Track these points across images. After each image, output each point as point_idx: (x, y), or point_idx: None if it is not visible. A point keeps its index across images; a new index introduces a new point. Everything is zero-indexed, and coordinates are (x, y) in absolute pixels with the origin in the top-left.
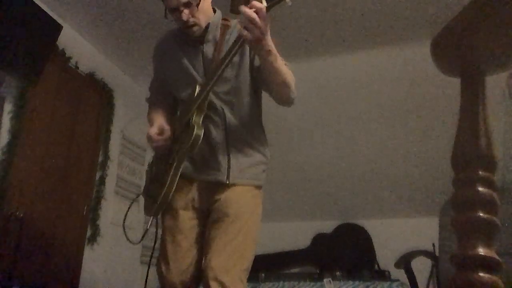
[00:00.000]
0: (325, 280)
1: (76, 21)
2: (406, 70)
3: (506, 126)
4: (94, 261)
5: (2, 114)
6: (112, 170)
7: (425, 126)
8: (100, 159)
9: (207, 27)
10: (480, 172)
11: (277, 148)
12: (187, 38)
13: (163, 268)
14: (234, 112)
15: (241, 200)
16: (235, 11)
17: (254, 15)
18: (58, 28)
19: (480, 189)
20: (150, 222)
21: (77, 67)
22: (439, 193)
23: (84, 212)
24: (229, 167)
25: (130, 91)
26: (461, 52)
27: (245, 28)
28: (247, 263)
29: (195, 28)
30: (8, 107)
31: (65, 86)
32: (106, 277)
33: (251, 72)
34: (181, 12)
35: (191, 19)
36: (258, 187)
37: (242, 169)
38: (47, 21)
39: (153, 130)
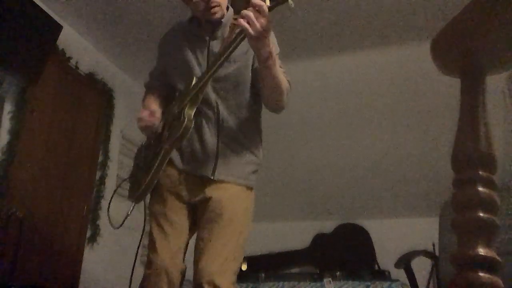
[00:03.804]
0: (325, 280)
1: (76, 21)
2: (406, 70)
3: (506, 126)
4: (94, 261)
5: (2, 114)
6: (112, 170)
7: (425, 126)
8: (100, 159)
9: (217, 26)
10: (480, 172)
11: (276, 148)
12: (197, 32)
13: (152, 256)
14: (229, 109)
15: (235, 201)
16: (235, 11)
17: (262, 3)
18: (58, 28)
19: (480, 189)
20: (132, 207)
21: (77, 67)
22: (439, 193)
23: (84, 212)
24: (216, 163)
25: (130, 91)
26: (461, 52)
27: (247, 22)
28: (238, 266)
29: (217, 9)
30: (8, 107)
31: (65, 86)
32: (106, 277)
33: (252, 71)
34: None
35: (216, 1)
36: (250, 187)
37: (229, 167)
38: (47, 21)
39: (145, 113)
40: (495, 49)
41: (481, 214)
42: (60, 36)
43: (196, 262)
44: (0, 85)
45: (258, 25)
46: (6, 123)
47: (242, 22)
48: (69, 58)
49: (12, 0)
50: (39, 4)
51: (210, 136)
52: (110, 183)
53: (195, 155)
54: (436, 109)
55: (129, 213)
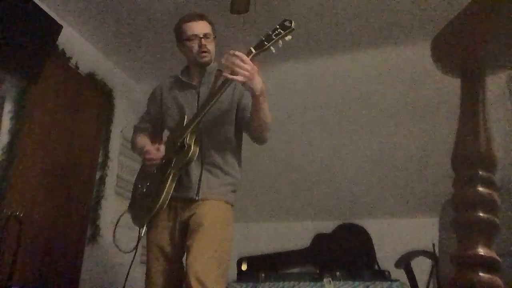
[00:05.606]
0: (325, 280)
1: (76, 21)
2: (406, 70)
3: (506, 126)
4: (94, 261)
5: (2, 114)
6: (112, 170)
7: (425, 126)
8: (100, 159)
9: (203, 74)
10: (480, 172)
11: (277, 148)
12: (187, 80)
13: (147, 283)
14: (213, 142)
15: (215, 211)
16: (235, 11)
17: (244, 57)
18: (58, 28)
19: (480, 189)
20: (143, 232)
21: (77, 67)
22: (439, 193)
23: (84, 212)
24: (199, 186)
25: (130, 91)
26: (461, 52)
27: (233, 72)
28: (223, 270)
29: (207, 54)
30: (8, 107)
31: (65, 86)
32: (106, 277)
33: (237, 110)
34: (200, 39)
35: (207, 47)
36: (228, 203)
37: (211, 188)
38: (47, 21)
39: (152, 148)
40: (495, 49)
41: (481, 214)
42: (60, 36)
43: (185, 265)
44: (0, 85)
45: (243, 72)
46: (6, 123)
47: (231, 76)
48: (69, 58)
49: (12, 0)
50: (39, 4)
51: (195, 165)
52: (110, 183)
53: (182, 183)
54: (436, 109)
55: (140, 237)
